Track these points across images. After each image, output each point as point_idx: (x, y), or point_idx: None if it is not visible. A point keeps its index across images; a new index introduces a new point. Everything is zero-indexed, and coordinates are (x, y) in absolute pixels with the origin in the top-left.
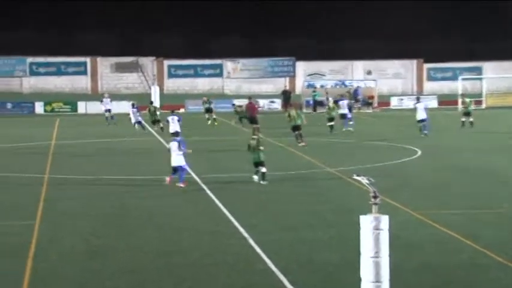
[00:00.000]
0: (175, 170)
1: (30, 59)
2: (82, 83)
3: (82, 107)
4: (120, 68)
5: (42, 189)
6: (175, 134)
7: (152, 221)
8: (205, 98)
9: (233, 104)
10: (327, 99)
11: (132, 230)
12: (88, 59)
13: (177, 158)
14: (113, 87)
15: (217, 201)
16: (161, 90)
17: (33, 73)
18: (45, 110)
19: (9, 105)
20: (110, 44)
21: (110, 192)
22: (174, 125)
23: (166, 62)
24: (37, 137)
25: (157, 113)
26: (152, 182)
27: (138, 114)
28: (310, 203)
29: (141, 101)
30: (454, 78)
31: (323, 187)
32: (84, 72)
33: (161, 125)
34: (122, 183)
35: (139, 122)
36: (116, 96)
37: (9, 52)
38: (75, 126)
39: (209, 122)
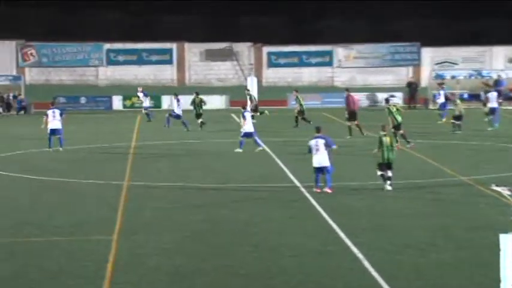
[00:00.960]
0: (321, 171)
1: (107, 46)
2: (167, 73)
3: (166, 101)
4: (211, 55)
5: (120, 199)
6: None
7: (247, 238)
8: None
9: None
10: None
11: (223, 248)
12: (174, 45)
13: (322, 158)
14: (202, 78)
15: (323, 214)
16: (259, 81)
17: (110, 62)
18: (124, 106)
19: (83, 100)
20: (199, 28)
21: (198, 202)
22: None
23: (266, 49)
24: (115, 137)
25: (203, 105)
26: (246, 190)
27: (179, 107)
28: (436, 217)
29: (236, 94)
30: None
31: (452, 198)
32: (170, 61)
33: (200, 120)
34: (212, 191)
35: (178, 117)
36: (205, 90)
37: (83, 37)
38: (158, 124)
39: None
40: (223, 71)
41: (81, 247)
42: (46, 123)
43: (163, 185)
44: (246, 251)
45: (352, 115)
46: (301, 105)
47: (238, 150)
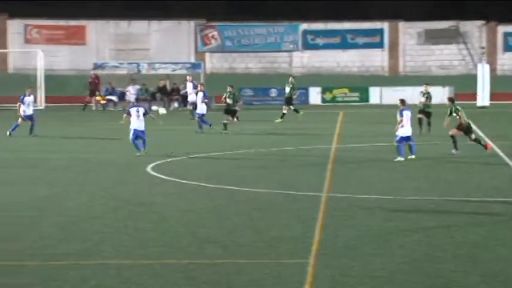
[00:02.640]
0: None
1: (304, 26)
2: (376, 60)
3: (375, 94)
4: (431, 37)
5: (318, 214)
6: None
7: (476, 266)
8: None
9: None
10: None
11: (446, 278)
12: (386, 25)
13: None
14: (420, 65)
15: None
16: (492, 69)
17: (307, 46)
18: (323, 99)
19: (273, 92)
20: (417, 3)
21: (413, 219)
22: None
23: (502, 29)
24: (311, 138)
25: (238, 101)
26: (475, 206)
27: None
28: None
29: (463, 85)
30: None
31: None
32: (380, 45)
33: (234, 119)
34: (433, 207)
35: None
36: (424, 79)
37: (275, 16)
38: (365, 123)
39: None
40: (446, 57)
41: (271, 272)
42: (127, 122)
43: (371, 197)
44: (474, 281)
45: None
46: None
47: (399, 158)
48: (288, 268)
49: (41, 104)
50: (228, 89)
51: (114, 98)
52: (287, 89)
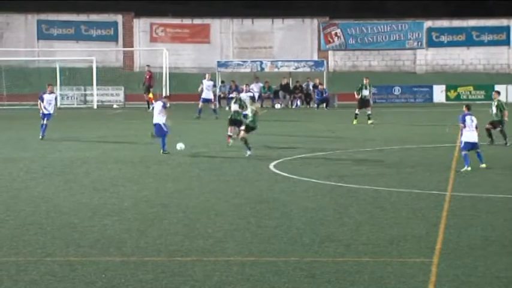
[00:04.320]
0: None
1: (428, 23)
2: (502, 57)
3: (502, 92)
4: None
5: (442, 213)
6: None
7: None
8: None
9: None
10: None
11: None
12: None
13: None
14: None
15: None
16: None
17: (432, 43)
18: (447, 97)
19: (397, 90)
20: None
21: None
22: None
23: None
24: (435, 137)
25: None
26: None
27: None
28: None
29: None
30: None
31: None
32: (506, 42)
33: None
34: None
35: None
36: None
37: (398, 14)
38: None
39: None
40: None
41: (393, 271)
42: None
43: (496, 196)
44: None
45: None
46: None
47: (466, 169)
48: (411, 267)
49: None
50: (364, 81)
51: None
52: (366, 92)
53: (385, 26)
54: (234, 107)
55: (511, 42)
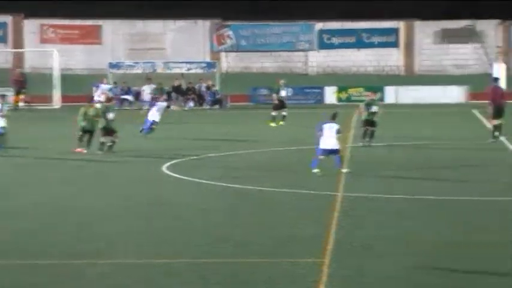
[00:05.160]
0: None
1: (319, 26)
2: (391, 59)
3: (391, 94)
4: (447, 36)
5: (333, 214)
6: None
7: (493, 265)
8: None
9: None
10: None
11: (465, 279)
12: (401, 24)
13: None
14: (436, 64)
15: None
16: (508, 69)
17: (323, 45)
18: (338, 99)
19: (288, 91)
20: (432, 2)
21: (432, 219)
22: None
23: None
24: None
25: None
26: (492, 206)
27: (158, 108)
28: None
29: (479, 85)
30: None
31: None
32: (394, 44)
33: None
34: (449, 206)
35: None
36: (440, 79)
37: (290, 16)
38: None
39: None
40: (462, 56)
41: (284, 271)
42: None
43: (385, 197)
44: (491, 282)
45: (498, 111)
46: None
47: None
48: (302, 267)
49: (57, 103)
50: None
51: (129, 97)
52: (283, 93)
53: (277, 28)
54: (111, 116)
55: (400, 44)
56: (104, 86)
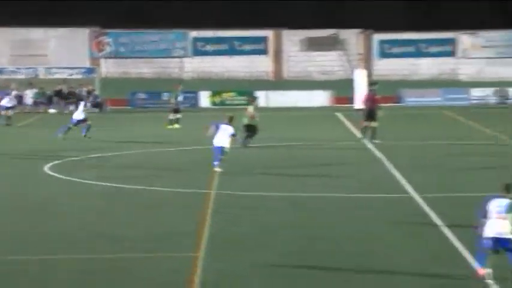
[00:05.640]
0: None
1: (193, 34)
2: (262, 65)
3: (261, 98)
4: (313, 44)
5: (207, 210)
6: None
7: (349, 259)
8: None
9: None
10: None
11: (327, 273)
12: (270, 33)
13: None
14: (302, 71)
15: (444, 230)
16: (368, 75)
17: (197, 52)
18: (212, 102)
19: (165, 96)
20: (300, 12)
21: (295, 214)
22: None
23: (377, 37)
24: (200, 140)
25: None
26: (354, 202)
27: (83, 110)
28: None
29: (342, 90)
30: None
31: None
32: (265, 51)
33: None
34: (313, 203)
35: (78, 122)
36: (306, 84)
37: (166, 24)
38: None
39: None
40: (326, 63)
41: (161, 266)
42: None
43: (256, 194)
44: (349, 275)
45: (370, 114)
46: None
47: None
48: (178, 261)
49: None
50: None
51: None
52: (180, 98)
53: (154, 36)
54: None
55: (269, 52)
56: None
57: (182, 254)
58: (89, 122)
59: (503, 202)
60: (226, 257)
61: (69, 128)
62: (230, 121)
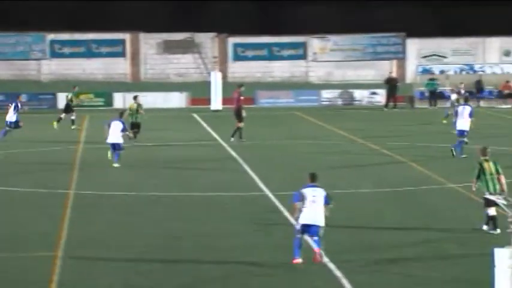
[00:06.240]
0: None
1: (50, 36)
2: (119, 67)
3: (119, 99)
4: (169, 47)
5: (65, 210)
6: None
7: (211, 254)
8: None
9: None
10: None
11: (186, 267)
12: (127, 36)
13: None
14: (159, 73)
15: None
16: (224, 77)
17: (55, 54)
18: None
19: (23, 97)
20: (156, 16)
21: (154, 213)
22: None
23: (231, 40)
24: (58, 140)
25: (141, 112)
26: (211, 200)
27: (15, 111)
28: (420, 229)
29: (198, 91)
30: None
31: (439, 207)
32: (122, 54)
33: (130, 134)
34: (171, 201)
35: (13, 124)
36: (163, 86)
37: (24, 27)
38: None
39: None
40: (183, 65)
41: (18, 265)
42: None
43: (115, 194)
44: (210, 270)
45: (237, 114)
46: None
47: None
48: (35, 260)
49: None
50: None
51: None
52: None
53: (10, 38)
54: None
55: (127, 54)
56: None
57: (41, 253)
58: None
59: (318, 191)
60: (83, 255)
61: None
62: (121, 116)
